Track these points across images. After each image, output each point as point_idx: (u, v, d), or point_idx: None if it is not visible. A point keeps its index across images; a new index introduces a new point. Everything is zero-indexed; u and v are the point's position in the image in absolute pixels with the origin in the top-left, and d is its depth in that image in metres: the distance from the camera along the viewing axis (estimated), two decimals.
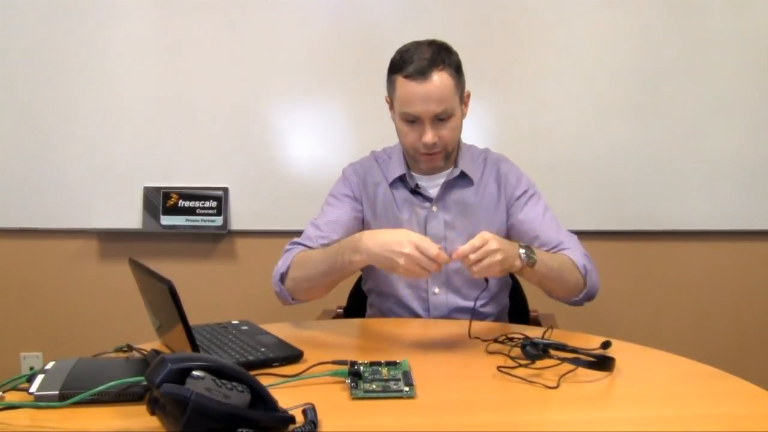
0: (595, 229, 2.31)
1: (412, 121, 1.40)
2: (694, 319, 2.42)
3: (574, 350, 1.17)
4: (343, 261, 1.28)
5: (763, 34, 2.27)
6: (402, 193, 1.53)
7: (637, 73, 2.28)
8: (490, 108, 2.29)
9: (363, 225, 1.56)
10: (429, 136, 1.39)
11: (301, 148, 2.31)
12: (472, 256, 1.17)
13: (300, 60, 2.27)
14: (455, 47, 1.43)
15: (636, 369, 1.15)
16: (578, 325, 1.36)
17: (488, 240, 1.18)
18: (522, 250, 1.27)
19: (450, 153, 1.48)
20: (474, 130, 2.25)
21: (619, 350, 1.18)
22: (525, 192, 1.51)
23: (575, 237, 1.50)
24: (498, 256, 1.18)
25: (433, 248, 1.16)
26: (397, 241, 1.17)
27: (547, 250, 1.44)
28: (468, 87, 1.45)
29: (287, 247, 1.49)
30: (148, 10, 2.25)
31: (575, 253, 1.43)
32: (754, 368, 1.47)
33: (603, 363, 1.12)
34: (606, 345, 1.23)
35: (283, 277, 1.42)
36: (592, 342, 1.24)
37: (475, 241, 1.18)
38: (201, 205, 2.31)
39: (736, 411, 0.99)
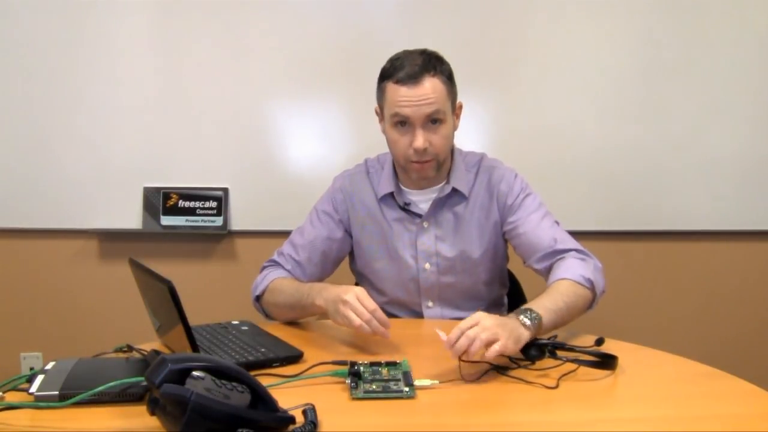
0: (595, 229, 2.31)
1: (403, 123, 1.37)
2: (694, 319, 2.42)
3: (572, 349, 1.18)
4: (308, 301, 1.34)
5: (763, 34, 2.27)
6: (392, 209, 1.51)
7: (636, 73, 2.28)
8: (490, 108, 2.29)
9: (352, 242, 1.55)
10: (420, 141, 1.35)
11: (300, 149, 2.31)
12: (463, 341, 1.06)
13: (300, 60, 2.27)
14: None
15: (636, 369, 1.15)
16: (578, 325, 1.35)
17: (479, 319, 1.09)
18: (521, 316, 1.15)
19: (441, 163, 1.44)
20: (474, 131, 2.26)
21: (619, 350, 1.18)
22: (517, 197, 1.47)
23: (569, 238, 1.43)
24: (488, 334, 1.06)
25: (371, 303, 1.21)
26: (344, 290, 1.24)
27: (542, 257, 1.41)
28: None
29: (265, 264, 1.55)
30: (149, 10, 2.24)
31: (573, 265, 1.34)
32: (754, 368, 1.46)
33: (606, 362, 1.12)
34: (600, 341, 1.23)
35: (259, 298, 1.48)
36: (590, 342, 1.24)
37: (464, 324, 1.09)
38: (201, 206, 2.31)
39: (736, 411, 0.99)
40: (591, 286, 1.32)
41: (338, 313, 1.22)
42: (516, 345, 1.11)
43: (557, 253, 1.40)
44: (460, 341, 1.07)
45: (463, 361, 1.08)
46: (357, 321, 1.19)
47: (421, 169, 1.42)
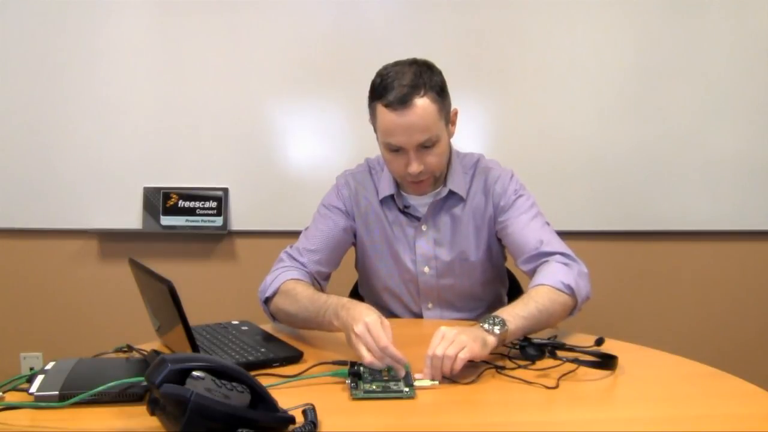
0: (595, 229, 2.32)
1: (396, 150, 1.35)
2: (693, 318, 2.42)
3: (572, 349, 1.18)
4: (325, 319, 1.24)
5: (763, 34, 2.27)
6: (392, 211, 1.50)
7: (637, 73, 2.28)
8: (491, 109, 2.29)
9: (355, 238, 1.54)
10: (414, 167, 1.34)
11: (300, 149, 2.31)
12: (438, 351, 1.08)
13: (300, 60, 2.27)
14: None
15: (636, 369, 1.15)
16: (577, 325, 1.35)
17: (442, 334, 1.11)
18: (484, 324, 1.15)
19: (438, 177, 1.44)
20: (474, 131, 2.26)
21: (618, 350, 1.18)
22: (510, 198, 1.46)
23: (557, 240, 1.41)
24: (454, 346, 1.08)
25: (382, 338, 1.09)
26: (355, 318, 1.14)
27: (527, 258, 1.40)
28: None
29: (282, 256, 1.49)
30: (148, 10, 2.24)
31: (554, 270, 1.33)
32: (754, 368, 1.47)
33: (606, 362, 1.12)
34: (600, 341, 1.23)
35: (268, 300, 1.41)
36: (590, 342, 1.24)
37: (429, 350, 1.09)
38: (201, 206, 2.31)
39: (736, 411, 0.99)
40: (571, 292, 1.30)
41: (350, 342, 1.15)
42: (483, 348, 1.11)
43: (542, 256, 1.38)
44: (433, 365, 1.08)
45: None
46: (368, 358, 1.08)
47: (418, 187, 1.42)
